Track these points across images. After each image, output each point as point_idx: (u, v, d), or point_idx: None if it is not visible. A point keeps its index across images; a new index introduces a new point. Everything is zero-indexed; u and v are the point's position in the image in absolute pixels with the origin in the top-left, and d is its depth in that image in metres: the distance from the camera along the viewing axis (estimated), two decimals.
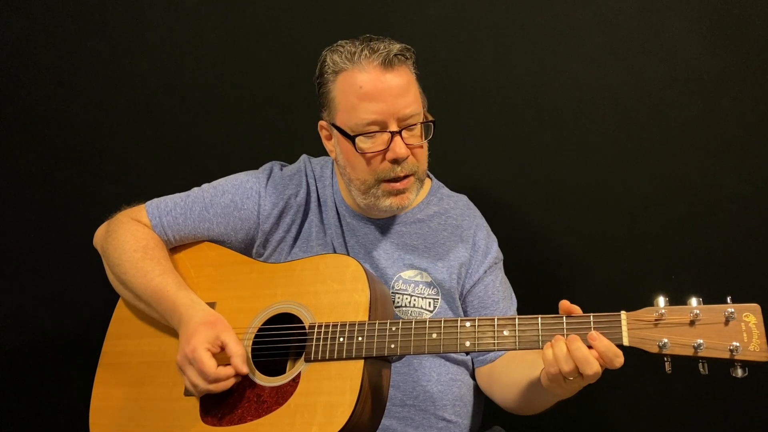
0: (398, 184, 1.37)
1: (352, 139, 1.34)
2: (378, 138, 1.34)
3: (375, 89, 1.31)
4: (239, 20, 1.98)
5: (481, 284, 1.46)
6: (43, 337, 2.08)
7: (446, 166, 1.62)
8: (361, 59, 1.32)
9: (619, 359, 1.07)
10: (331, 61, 1.36)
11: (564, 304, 1.13)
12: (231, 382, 1.24)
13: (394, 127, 1.33)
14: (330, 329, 1.24)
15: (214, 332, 1.25)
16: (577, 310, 1.12)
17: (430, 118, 1.40)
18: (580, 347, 1.07)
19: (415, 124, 1.35)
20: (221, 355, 1.25)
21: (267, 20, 1.97)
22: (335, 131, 1.38)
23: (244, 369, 1.24)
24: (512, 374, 1.35)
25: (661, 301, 1.09)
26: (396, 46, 1.34)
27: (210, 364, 1.22)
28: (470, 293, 1.46)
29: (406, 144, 1.34)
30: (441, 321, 1.20)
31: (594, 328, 1.10)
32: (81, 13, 2.03)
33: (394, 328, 1.21)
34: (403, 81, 1.33)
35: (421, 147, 1.38)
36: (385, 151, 1.34)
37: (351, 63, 1.33)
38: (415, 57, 1.38)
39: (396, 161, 1.34)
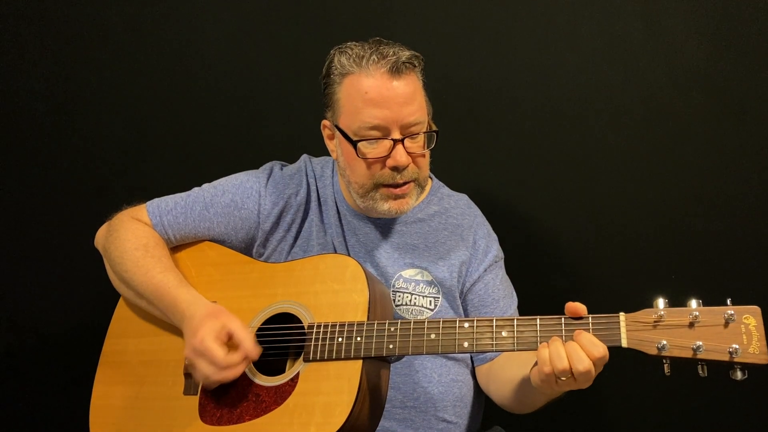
0: (397, 190, 1.37)
1: (354, 143, 1.34)
2: (380, 144, 1.34)
3: (380, 95, 1.31)
4: (240, 19, 1.98)
5: (481, 282, 1.46)
6: (43, 336, 2.09)
7: (447, 166, 1.62)
8: (369, 64, 1.32)
9: (598, 348, 1.06)
10: (338, 63, 1.35)
11: (570, 305, 1.12)
12: (242, 368, 1.24)
13: (396, 135, 1.33)
14: (329, 329, 1.24)
15: (219, 322, 1.25)
16: (582, 309, 1.12)
17: (434, 127, 1.40)
18: (572, 344, 1.08)
19: (418, 133, 1.35)
20: (229, 345, 1.24)
21: (268, 20, 1.97)
22: (338, 133, 1.38)
23: (255, 352, 1.24)
24: (507, 371, 1.35)
25: (661, 302, 1.09)
26: (405, 54, 1.33)
27: (220, 351, 1.21)
28: (470, 291, 1.46)
29: (408, 152, 1.34)
30: (439, 321, 1.20)
31: (592, 329, 1.10)
32: (82, 12, 2.03)
33: (392, 329, 1.21)
34: (409, 89, 1.33)
35: (423, 156, 1.38)
36: (386, 157, 1.34)
37: (358, 67, 1.33)
38: (424, 64, 1.38)
39: (396, 169, 1.34)
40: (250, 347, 1.23)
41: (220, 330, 1.24)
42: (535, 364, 1.12)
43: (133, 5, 2.02)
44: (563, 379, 1.07)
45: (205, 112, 2.02)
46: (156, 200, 1.49)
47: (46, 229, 2.08)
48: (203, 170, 1.63)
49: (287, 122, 1.98)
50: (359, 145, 1.33)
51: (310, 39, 1.93)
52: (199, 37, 2.01)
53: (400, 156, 1.33)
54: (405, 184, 1.37)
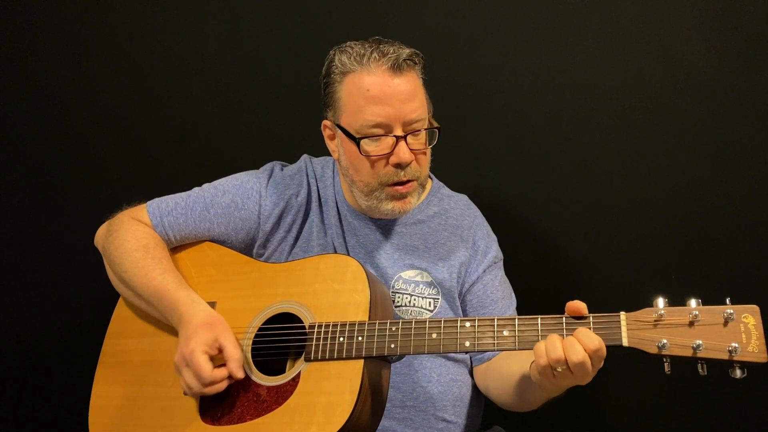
0: (402, 187, 1.37)
1: (356, 141, 1.34)
2: (383, 142, 1.34)
3: (382, 93, 1.31)
4: (240, 19, 1.99)
5: (480, 283, 1.46)
6: (43, 336, 2.09)
7: (447, 166, 1.62)
8: (370, 62, 1.32)
9: (593, 341, 1.06)
10: (339, 62, 1.35)
11: (570, 304, 1.13)
12: (225, 385, 1.25)
13: (399, 132, 1.33)
14: (330, 329, 1.25)
15: (213, 334, 1.25)
16: (583, 308, 1.12)
17: (435, 124, 1.40)
18: (569, 337, 1.08)
19: (420, 130, 1.35)
20: (219, 357, 1.25)
21: (268, 20, 1.97)
22: (339, 132, 1.38)
23: (240, 374, 1.24)
24: (506, 367, 1.35)
25: (661, 302, 1.09)
26: (405, 51, 1.34)
27: (206, 367, 1.22)
28: (469, 292, 1.46)
29: (411, 149, 1.34)
30: (441, 321, 1.20)
31: (593, 328, 1.10)
32: (82, 12, 2.04)
33: (393, 328, 1.21)
34: (410, 86, 1.33)
35: (424, 153, 1.38)
36: (389, 155, 1.34)
37: (359, 65, 1.33)
38: (424, 62, 1.38)
39: (399, 166, 1.34)
40: (235, 368, 1.24)
41: (212, 343, 1.25)
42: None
43: (133, 5, 2.02)
44: (559, 370, 1.08)
45: (206, 112, 2.02)
46: (156, 200, 1.49)
47: (47, 229, 2.08)
48: (203, 170, 1.62)
49: (287, 122, 1.98)
50: (362, 142, 1.34)
51: (310, 39, 1.93)
52: (199, 37, 2.01)
53: (403, 153, 1.33)
54: (408, 182, 1.37)
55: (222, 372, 1.23)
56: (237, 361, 1.24)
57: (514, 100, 1.86)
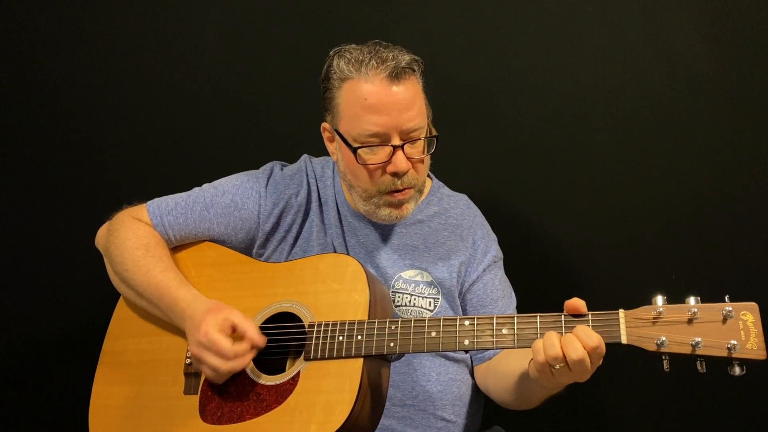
0: (399, 194, 1.37)
1: (354, 150, 1.34)
2: (380, 151, 1.33)
3: (380, 102, 1.30)
4: (240, 19, 1.99)
5: (480, 282, 1.47)
6: (43, 336, 2.09)
7: (447, 166, 1.62)
8: (368, 69, 1.31)
9: (592, 338, 1.06)
10: (337, 67, 1.35)
11: (570, 301, 1.13)
12: (250, 357, 1.24)
13: (396, 141, 1.32)
14: (329, 328, 1.25)
15: (222, 315, 1.25)
16: (582, 306, 1.12)
17: (434, 132, 1.39)
18: (568, 334, 1.08)
19: (418, 138, 1.35)
20: (233, 337, 1.25)
21: (268, 19, 1.98)
22: (338, 137, 1.39)
23: (261, 340, 1.24)
24: (506, 366, 1.36)
25: (660, 299, 1.10)
26: (405, 58, 1.33)
27: (226, 342, 1.22)
28: (469, 291, 1.47)
29: (408, 157, 1.34)
30: (440, 320, 1.20)
31: (592, 326, 1.10)
32: (82, 11, 2.04)
33: (393, 327, 1.21)
34: (409, 94, 1.32)
35: (422, 161, 1.38)
36: (387, 163, 1.33)
37: (357, 72, 1.32)
38: (423, 67, 1.37)
39: (396, 175, 1.34)
40: (255, 335, 1.24)
41: (222, 322, 1.24)
42: None
43: (133, 5, 2.02)
44: (557, 367, 1.08)
45: (206, 112, 2.02)
46: (156, 200, 1.49)
47: (46, 229, 2.08)
48: (203, 170, 1.63)
49: (287, 122, 1.98)
50: (359, 152, 1.33)
51: (310, 39, 1.94)
52: (200, 37, 2.01)
53: (400, 162, 1.32)
54: (406, 189, 1.37)
55: (243, 345, 1.23)
56: (254, 330, 1.24)
57: (514, 101, 1.86)
